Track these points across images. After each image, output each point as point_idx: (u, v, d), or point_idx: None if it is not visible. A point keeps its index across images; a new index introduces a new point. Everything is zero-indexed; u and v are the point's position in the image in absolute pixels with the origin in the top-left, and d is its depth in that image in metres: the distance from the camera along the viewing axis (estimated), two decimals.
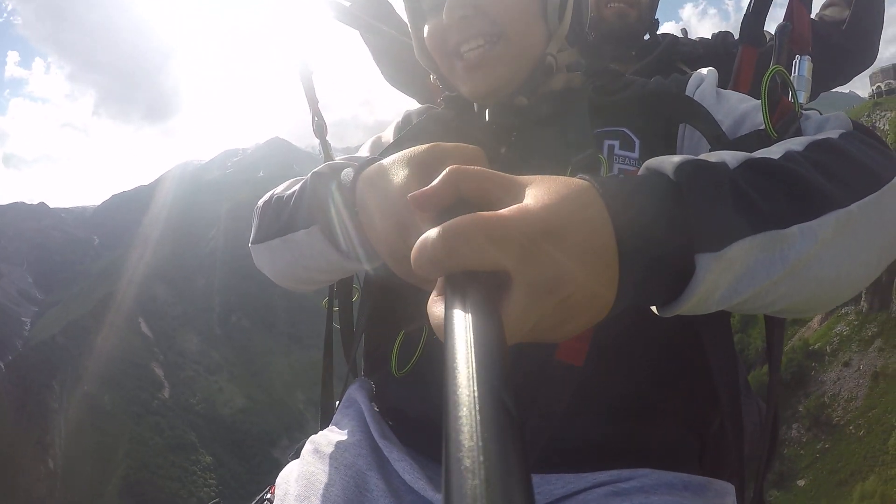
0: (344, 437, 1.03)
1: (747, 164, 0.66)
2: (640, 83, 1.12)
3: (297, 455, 1.10)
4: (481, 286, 0.47)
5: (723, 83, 1.25)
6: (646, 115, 1.04)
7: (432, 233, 0.50)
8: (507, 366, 0.37)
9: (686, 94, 1.05)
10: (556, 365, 0.88)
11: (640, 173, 0.67)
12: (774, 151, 0.71)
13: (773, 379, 1.02)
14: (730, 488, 0.95)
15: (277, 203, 1.06)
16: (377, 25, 1.96)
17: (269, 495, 1.08)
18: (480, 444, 0.30)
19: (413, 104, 1.96)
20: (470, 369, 0.36)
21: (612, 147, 1.01)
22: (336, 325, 1.40)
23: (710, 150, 0.93)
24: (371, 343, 1.23)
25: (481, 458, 0.29)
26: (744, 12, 1.72)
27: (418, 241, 0.52)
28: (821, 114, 0.94)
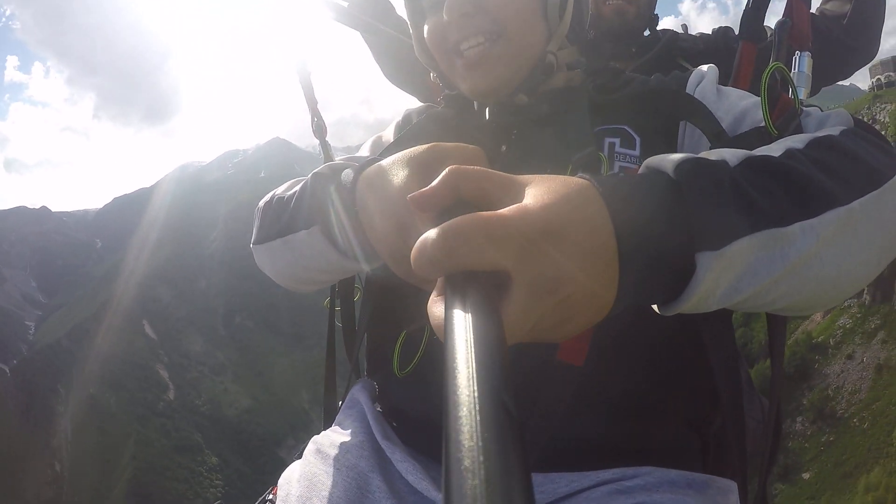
0: (346, 438, 1.04)
1: (748, 162, 0.66)
2: (640, 81, 1.12)
3: (301, 455, 1.10)
4: (481, 286, 0.47)
5: (723, 79, 1.25)
6: (646, 112, 1.03)
7: (432, 233, 0.50)
8: (507, 366, 0.37)
9: (686, 91, 1.05)
10: (556, 365, 0.88)
11: (639, 171, 0.67)
12: (775, 149, 0.71)
13: (776, 375, 1.02)
14: (732, 486, 0.95)
15: (278, 204, 1.06)
16: (376, 25, 1.96)
17: (271, 496, 1.08)
18: (480, 444, 0.30)
19: (413, 102, 1.96)
20: (470, 369, 0.36)
21: (612, 145, 1.01)
22: (338, 324, 1.40)
23: (711, 148, 0.93)
24: (373, 343, 1.23)
25: (481, 458, 0.29)
26: (743, 7, 1.72)
27: (418, 241, 0.51)
28: (821, 110, 0.93)
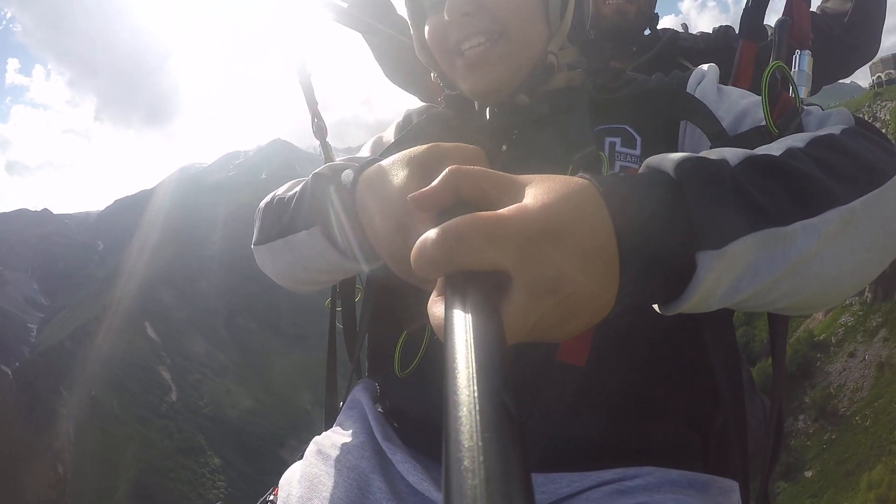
0: (347, 439, 1.04)
1: (748, 161, 0.66)
2: (640, 80, 1.12)
3: (302, 456, 1.10)
4: (481, 286, 0.47)
5: (724, 78, 1.24)
6: (647, 112, 1.03)
7: (432, 233, 0.51)
8: (507, 366, 0.37)
9: (687, 90, 1.05)
10: (556, 365, 0.88)
11: (640, 171, 0.67)
12: (776, 148, 0.71)
13: (777, 375, 1.01)
14: (734, 486, 0.95)
15: (279, 204, 1.06)
16: (375, 26, 1.96)
17: (271, 497, 1.08)
18: (480, 444, 0.30)
19: (414, 102, 1.96)
20: (470, 369, 0.36)
21: (613, 144, 1.01)
22: (339, 325, 1.40)
23: (711, 147, 0.93)
24: (374, 343, 1.23)
25: (481, 458, 0.29)
26: (743, 5, 1.72)
27: (418, 241, 0.51)
28: (822, 109, 0.93)
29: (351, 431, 1.05)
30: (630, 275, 0.57)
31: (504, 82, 1.05)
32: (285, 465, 1.10)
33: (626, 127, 1.02)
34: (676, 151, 0.65)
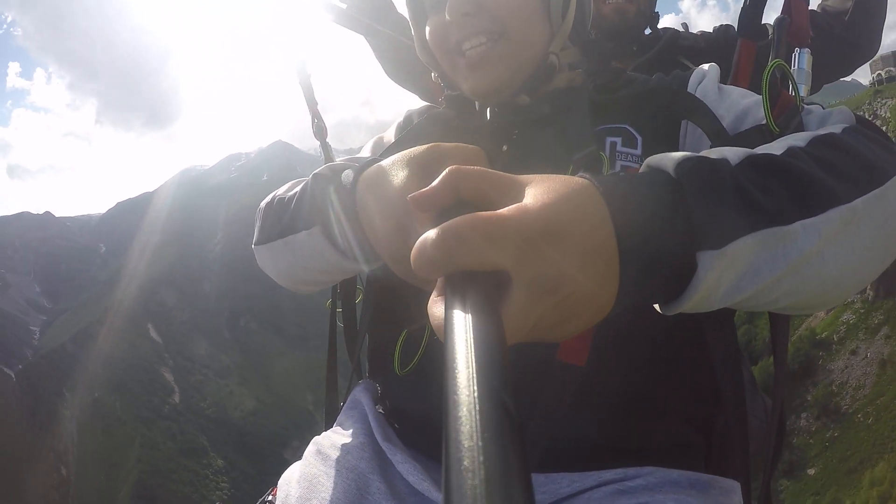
0: (347, 440, 1.04)
1: (749, 161, 0.66)
2: (641, 80, 1.12)
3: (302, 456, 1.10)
4: (481, 286, 0.47)
5: (725, 77, 1.24)
6: (648, 111, 1.03)
7: (431, 233, 0.50)
8: (507, 366, 0.37)
9: (688, 90, 1.04)
10: (557, 365, 0.88)
11: (640, 170, 0.67)
12: (776, 147, 0.70)
13: (779, 374, 1.01)
14: (735, 486, 0.94)
15: (279, 205, 1.06)
16: (374, 27, 1.96)
17: (270, 497, 1.08)
18: (480, 444, 0.30)
19: (415, 102, 1.96)
20: (470, 369, 0.35)
21: (614, 144, 1.00)
22: (340, 325, 1.40)
23: (712, 147, 0.93)
24: (375, 343, 1.23)
25: (481, 458, 0.29)
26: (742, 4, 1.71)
27: (418, 241, 0.51)
28: (823, 107, 0.93)
29: (351, 432, 1.05)
30: (630, 274, 0.57)
31: (505, 82, 1.05)
32: (288, 466, 1.10)
33: (627, 127, 1.01)
34: (677, 151, 0.65)
